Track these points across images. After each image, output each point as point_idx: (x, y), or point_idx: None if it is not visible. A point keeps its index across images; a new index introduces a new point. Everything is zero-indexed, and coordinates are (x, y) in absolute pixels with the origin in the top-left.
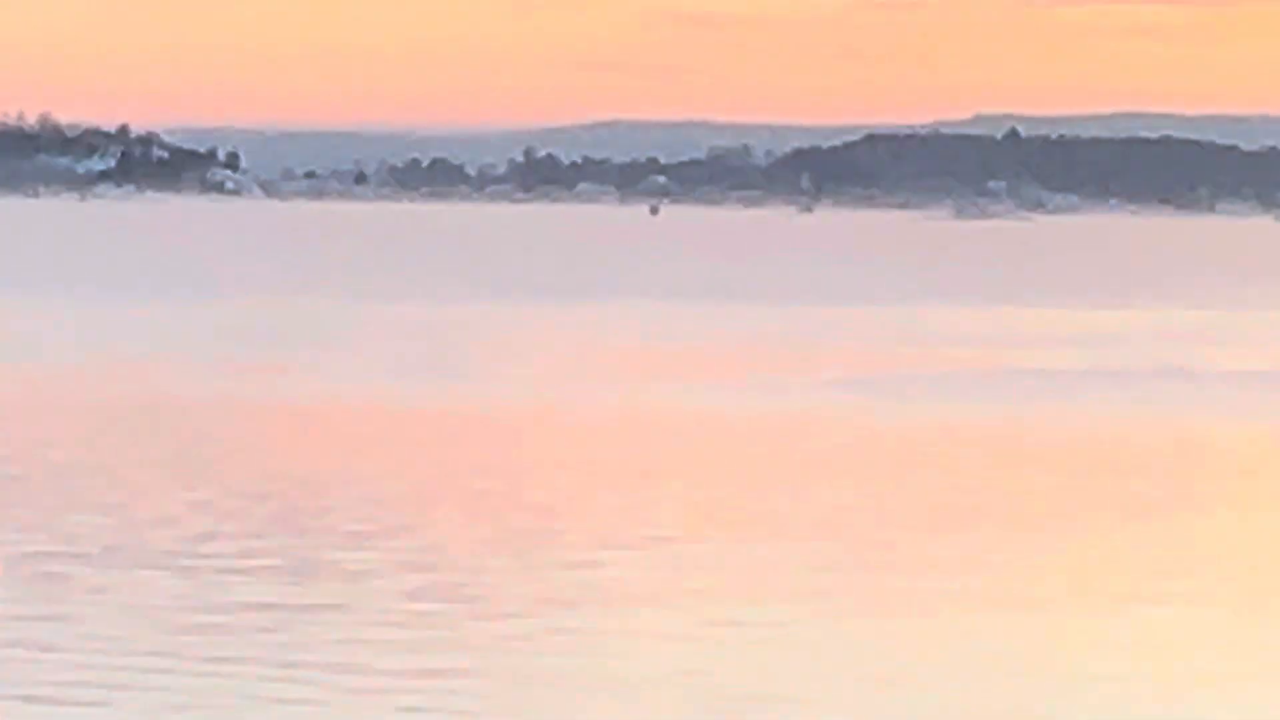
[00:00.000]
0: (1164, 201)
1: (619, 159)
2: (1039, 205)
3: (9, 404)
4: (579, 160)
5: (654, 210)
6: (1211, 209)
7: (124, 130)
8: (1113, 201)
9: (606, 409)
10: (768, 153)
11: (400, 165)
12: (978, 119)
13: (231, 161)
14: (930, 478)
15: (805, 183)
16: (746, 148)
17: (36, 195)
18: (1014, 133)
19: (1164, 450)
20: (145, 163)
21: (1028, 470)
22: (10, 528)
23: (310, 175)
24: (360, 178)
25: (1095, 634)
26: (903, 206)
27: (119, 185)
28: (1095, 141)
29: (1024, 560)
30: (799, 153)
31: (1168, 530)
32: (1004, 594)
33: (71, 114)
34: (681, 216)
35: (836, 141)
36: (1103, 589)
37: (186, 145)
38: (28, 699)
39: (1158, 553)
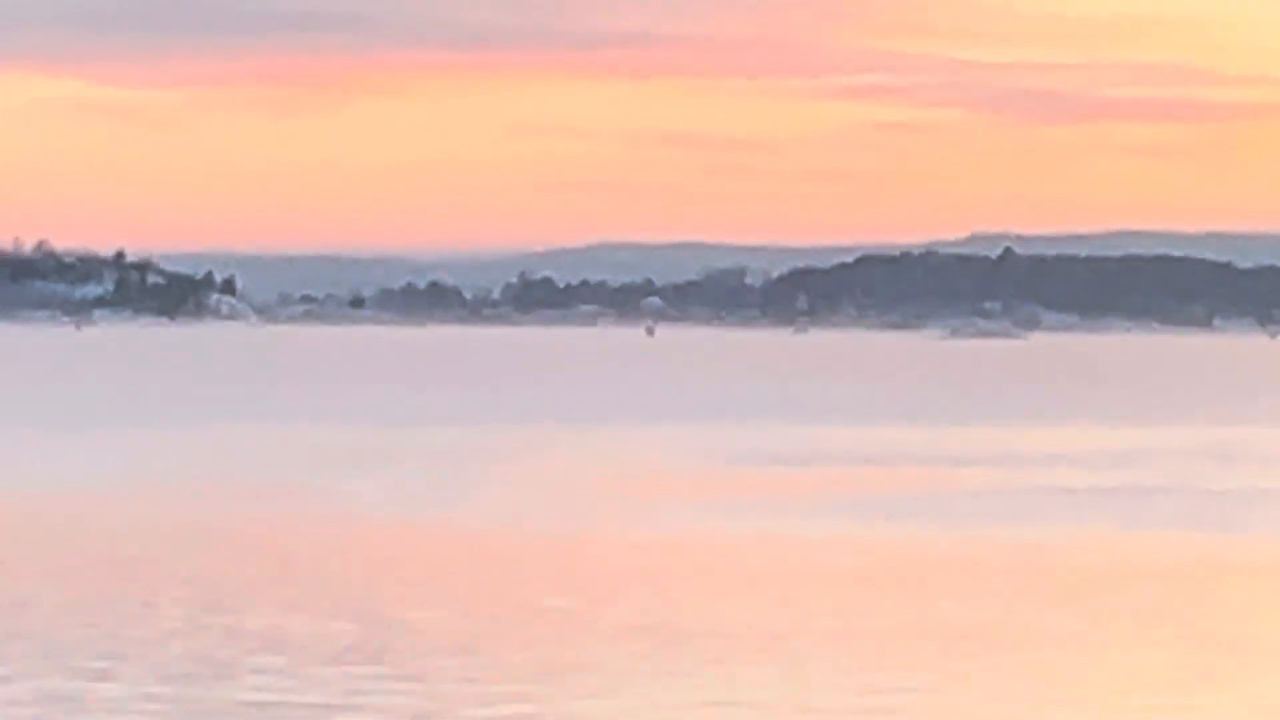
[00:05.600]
0: (1161, 319)
1: (615, 280)
2: (1035, 324)
3: (20, 530)
4: (575, 282)
5: (650, 331)
6: (1208, 325)
7: (120, 256)
8: (1110, 319)
9: (608, 532)
10: (763, 273)
11: (397, 289)
12: (973, 238)
13: (228, 286)
14: (928, 599)
15: (801, 303)
16: (742, 268)
17: (32, 322)
18: (1009, 251)
19: (1173, 569)
20: (141, 288)
21: (1032, 590)
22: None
23: (307, 299)
24: (357, 301)
25: None
26: (898, 326)
27: (115, 311)
28: (1091, 260)
29: (1040, 681)
30: (794, 273)
31: (1182, 648)
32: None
33: (67, 240)
34: (677, 337)
35: (831, 262)
36: (1125, 708)
37: (183, 270)
38: None
39: (1175, 671)
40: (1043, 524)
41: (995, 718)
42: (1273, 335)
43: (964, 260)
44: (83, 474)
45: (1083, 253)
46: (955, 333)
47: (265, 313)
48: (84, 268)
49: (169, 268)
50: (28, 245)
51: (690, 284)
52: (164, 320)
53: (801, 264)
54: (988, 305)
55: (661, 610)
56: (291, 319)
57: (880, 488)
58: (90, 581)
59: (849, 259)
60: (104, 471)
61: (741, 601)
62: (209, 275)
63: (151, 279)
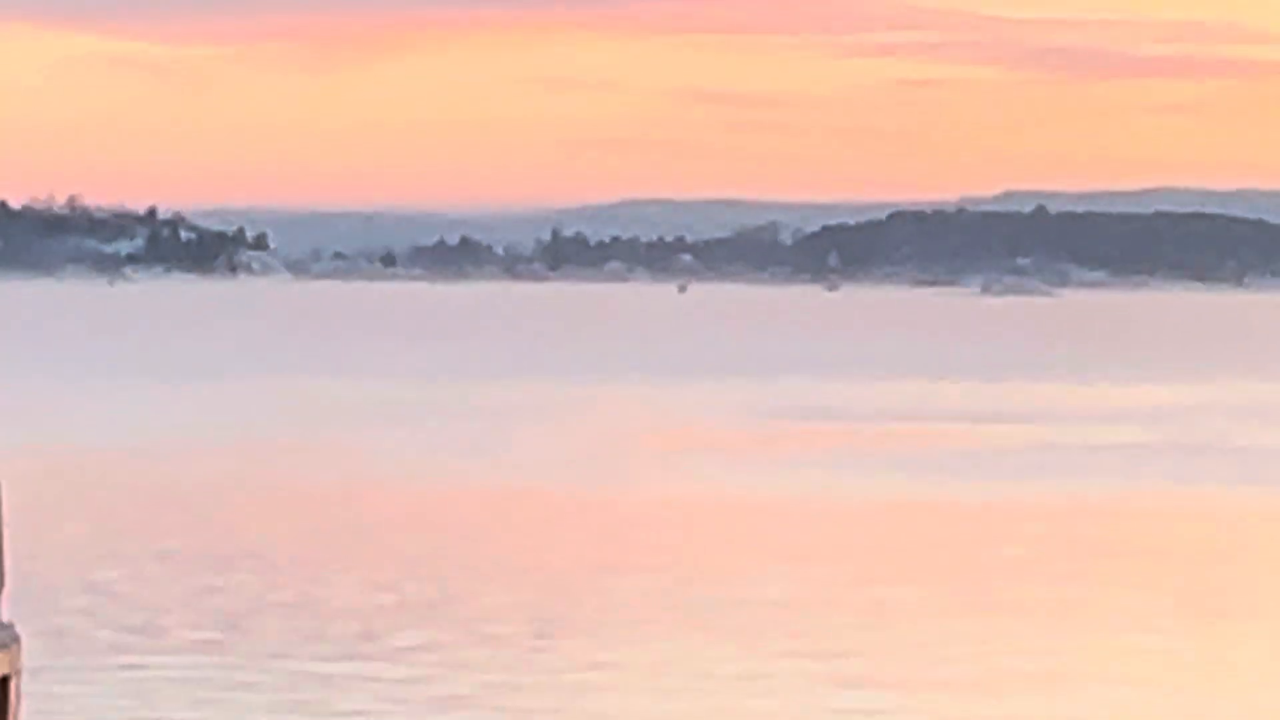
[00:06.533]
0: (1192, 276)
1: (646, 237)
2: (1067, 281)
3: (64, 483)
4: (606, 239)
5: (682, 289)
6: (1240, 282)
7: (152, 212)
8: (1141, 277)
9: (640, 488)
10: (795, 230)
11: (428, 246)
12: (1006, 195)
13: (259, 243)
14: (958, 553)
15: (833, 260)
16: (773, 225)
17: (64, 278)
18: (1042, 209)
19: (1206, 522)
20: (173, 245)
21: (1066, 544)
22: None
23: (338, 256)
24: (388, 258)
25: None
26: (930, 283)
27: (147, 267)
28: (1123, 217)
29: (1076, 634)
30: (826, 230)
31: (1215, 598)
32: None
33: (99, 197)
34: (709, 294)
35: (863, 219)
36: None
37: (214, 227)
38: None
39: (1208, 621)
40: (1074, 478)
41: (1039, 674)
42: None
43: (996, 217)
44: (118, 428)
45: (1115, 210)
46: (987, 289)
47: (297, 269)
48: (116, 224)
49: (201, 224)
50: (60, 201)
51: (722, 241)
52: (196, 276)
53: (833, 221)
54: (1020, 262)
55: (694, 566)
56: (323, 275)
57: (911, 443)
58: (123, 536)
59: (881, 216)
60: (140, 426)
61: (773, 555)
62: (241, 231)
63: (183, 235)
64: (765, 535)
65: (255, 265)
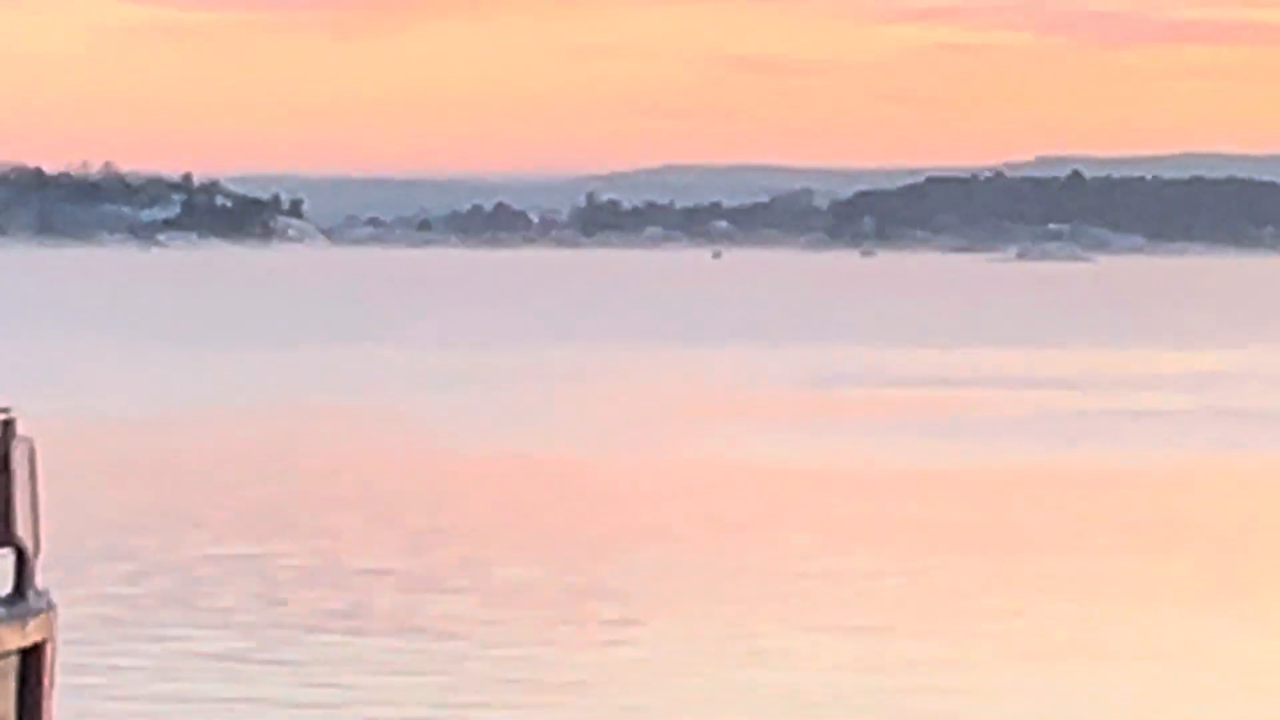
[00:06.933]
0: (1229, 242)
1: (681, 203)
2: (1103, 247)
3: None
4: (641, 205)
5: (716, 255)
6: (1275, 248)
7: (187, 179)
8: (1178, 243)
9: (678, 455)
10: (830, 196)
11: (463, 212)
12: (1040, 161)
13: (295, 209)
14: (994, 520)
15: (867, 226)
16: (808, 191)
17: (99, 244)
18: (1077, 174)
19: (1245, 489)
20: (208, 211)
21: (1101, 510)
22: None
23: (374, 223)
24: (424, 224)
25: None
26: (965, 249)
27: (181, 234)
28: (1158, 182)
29: (1120, 599)
30: (861, 196)
31: (1258, 565)
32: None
33: (134, 163)
34: (744, 260)
35: (898, 184)
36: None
37: (249, 193)
38: None
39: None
40: (1115, 444)
41: (1080, 646)
42: None
43: (1031, 183)
44: (154, 394)
45: (1150, 175)
46: (1022, 255)
47: (332, 235)
48: (151, 190)
49: (236, 190)
50: (94, 168)
51: (757, 206)
52: (230, 243)
53: (869, 187)
54: (1054, 228)
55: (730, 534)
56: (358, 242)
57: (947, 409)
58: (159, 504)
59: (916, 182)
60: (175, 392)
61: (810, 523)
62: (275, 198)
63: (218, 201)
64: (801, 502)
65: (290, 232)
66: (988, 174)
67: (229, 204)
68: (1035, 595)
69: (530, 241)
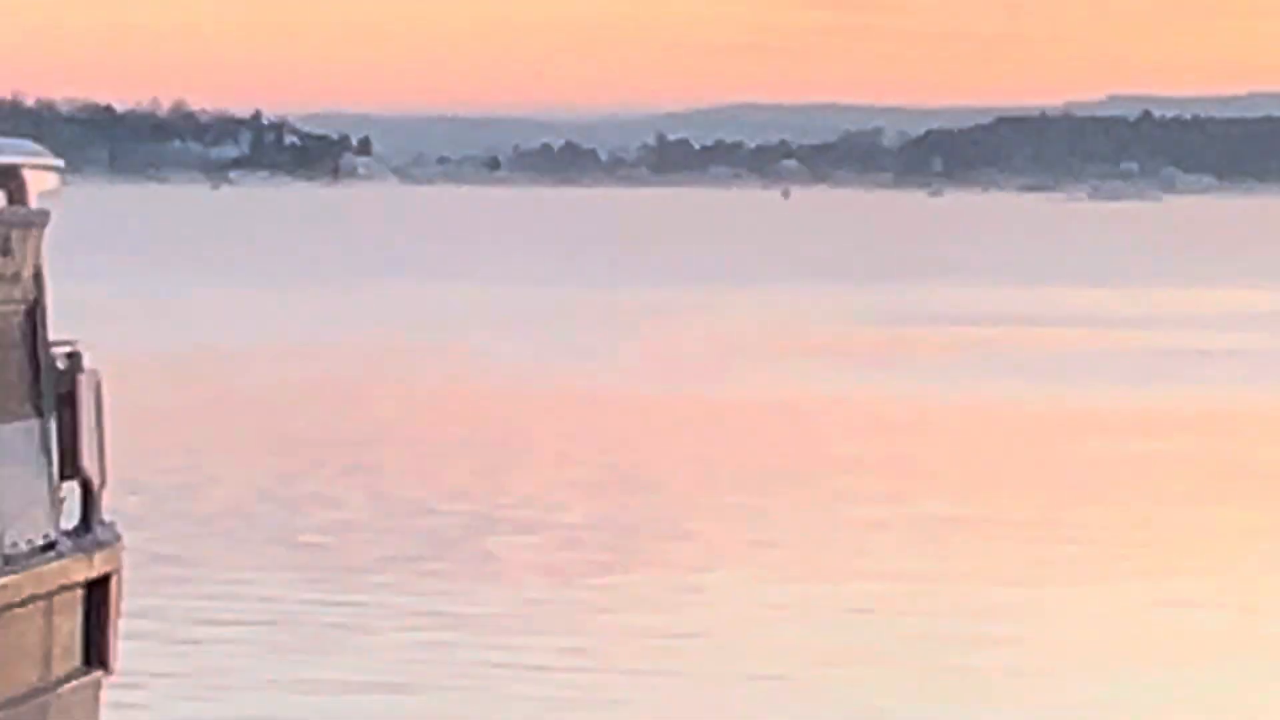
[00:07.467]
0: None
1: (751, 142)
2: (1173, 186)
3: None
4: (710, 144)
5: (785, 194)
6: None
7: (256, 117)
8: (1248, 182)
9: (747, 393)
10: (899, 135)
11: (533, 150)
12: (1110, 100)
13: (363, 147)
14: (1060, 459)
15: (936, 165)
16: (877, 130)
17: (168, 182)
18: (1147, 114)
19: None
20: (277, 149)
21: (1171, 449)
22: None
23: (443, 160)
24: (493, 163)
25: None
26: (1034, 189)
27: (250, 172)
28: (1230, 122)
29: (1181, 535)
30: (930, 135)
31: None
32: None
33: (204, 101)
34: (813, 199)
35: (968, 124)
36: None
37: (319, 131)
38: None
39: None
40: (1186, 383)
41: (1159, 592)
42: None
43: (1101, 122)
44: (222, 331)
45: (1220, 115)
46: (1092, 195)
47: (401, 174)
48: (220, 128)
49: (305, 128)
50: (165, 105)
51: (826, 146)
52: (299, 181)
53: (938, 126)
54: (1125, 167)
55: (797, 473)
56: (427, 180)
57: (1017, 348)
58: (224, 440)
59: (986, 121)
60: (244, 328)
61: (876, 464)
62: (345, 136)
63: (287, 139)
64: (869, 442)
65: (359, 170)
66: (1057, 113)
67: (298, 142)
68: (1106, 539)
69: (599, 181)
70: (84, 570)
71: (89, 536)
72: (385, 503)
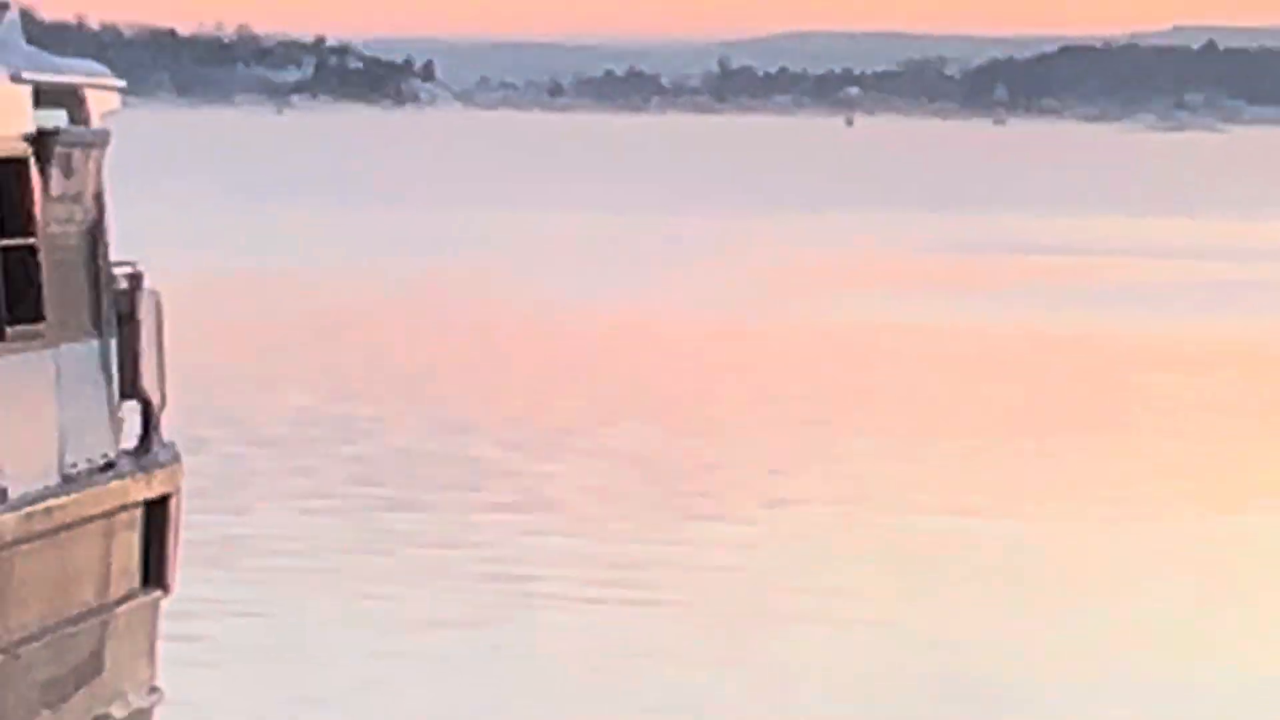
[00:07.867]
0: None
1: (814, 70)
2: (1237, 118)
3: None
4: (773, 71)
5: (848, 122)
6: None
7: (319, 41)
8: None
9: (808, 321)
10: (962, 64)
11: (595, 77)
12: (1175, 30)
13: (427, 72)
14: (1120, 388)
15: (1000, 94)
16: (941, 59)
17: (232, 105)
18: (1212, 44)
19: None
20: (340, 74)
21: (1236, 379)
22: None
23: (506, 86)
24: (555, 89)
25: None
26: (1098, 119)
27: (314, 96)
28: None
29: (1238, 467)
30: (994, 64)
31: None
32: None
33: (268, 25)
34: (876, 128)
35: (1031, 53)
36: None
37: (382, 56)
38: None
39: None
40: (1251, 314)
41: (1211, 525)
42: None
43: (1166, 52)
44: (283, 254)
45: None
46: (1155, 125)
47: (464, 99)
48: (284, 52)
49: (368, 53)
50: (229, 29)
51: (889, 74)
52: (363, 105)
53: (1001, 54)
54: (1189, 98)
55: (857, 401)
56: (490, 105)
57: (1081, 277)
58: (283, 362)
59: (1049, 50)
60: (303, 252)
61: (936, 394)
62: (408, 61)
63: (351, 64)
64: (930, 371)
65: (423, 95)
66: (1122, 43)
67: (361, 66)
68: (1166, 474)
69: (662, 108)
70: (143, 490)
71: (148, 457)
72: (433, 426)
